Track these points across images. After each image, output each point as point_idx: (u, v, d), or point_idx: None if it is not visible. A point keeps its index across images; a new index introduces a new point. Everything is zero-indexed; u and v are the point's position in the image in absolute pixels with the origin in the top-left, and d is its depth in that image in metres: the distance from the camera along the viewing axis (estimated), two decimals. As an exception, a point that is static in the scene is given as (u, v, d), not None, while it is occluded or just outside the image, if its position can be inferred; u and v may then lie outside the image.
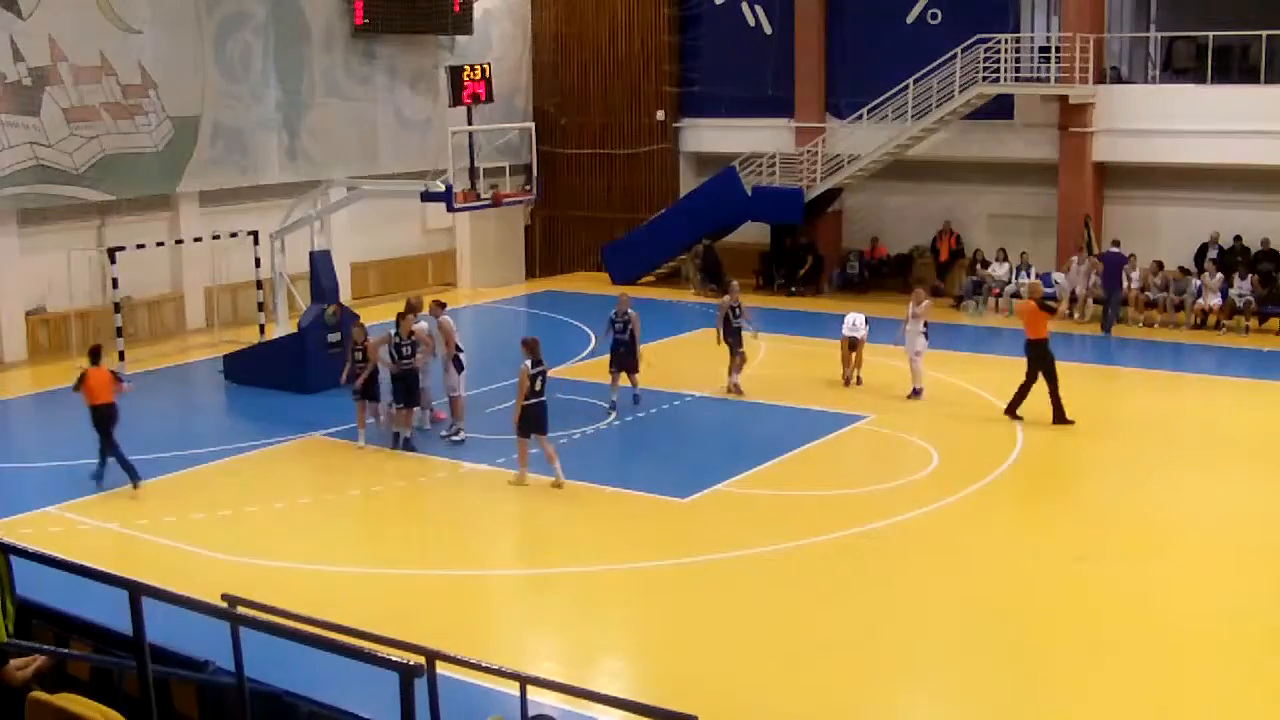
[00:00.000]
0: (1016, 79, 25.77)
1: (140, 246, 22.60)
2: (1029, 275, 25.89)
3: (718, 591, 12.41)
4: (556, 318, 26.27)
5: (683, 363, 20.80)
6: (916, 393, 19.11)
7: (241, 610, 5.98)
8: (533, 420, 15.31)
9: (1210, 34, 25.09)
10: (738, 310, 19.36)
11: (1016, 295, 25.99)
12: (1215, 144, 24.35)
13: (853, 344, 19.96)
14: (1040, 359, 17.76)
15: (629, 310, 18.72)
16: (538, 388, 15.29)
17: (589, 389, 19.61)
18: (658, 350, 19.83)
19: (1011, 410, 17.93)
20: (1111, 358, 21.38)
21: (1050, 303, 19.23)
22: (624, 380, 18.69)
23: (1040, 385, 17.73)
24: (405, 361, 16.75)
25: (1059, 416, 17.69)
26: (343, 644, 4.74)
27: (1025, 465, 16.29)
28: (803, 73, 29.01)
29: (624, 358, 18.66)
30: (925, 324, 19.11)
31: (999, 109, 26.48)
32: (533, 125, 26.55)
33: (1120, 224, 26.40)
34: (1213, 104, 24.67)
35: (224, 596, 7.07)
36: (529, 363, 15.26)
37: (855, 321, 19.96)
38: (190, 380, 22.10)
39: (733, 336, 19.37)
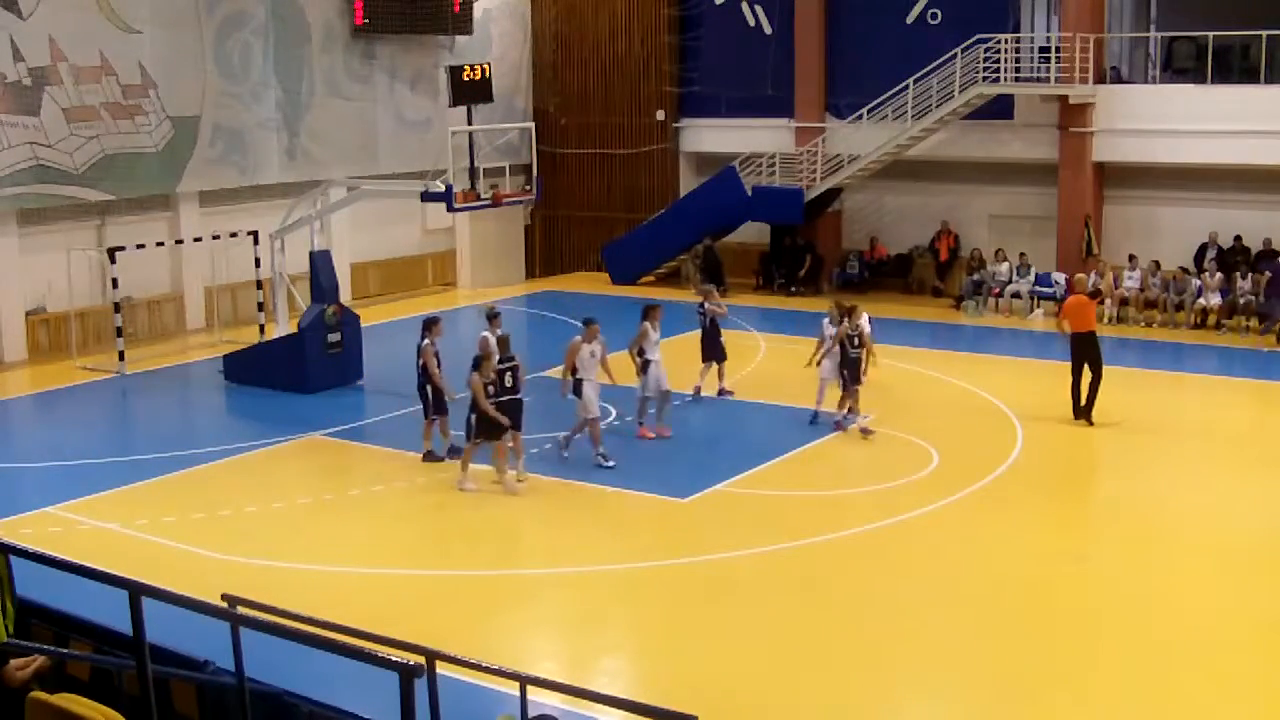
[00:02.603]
0: (1016, 79, 25.76)
1: (140, 246, 22.59)
2: (1029, 275, 25.96)
3: (718, 591, 12.41)
4: (557, 318, 26.23)
5: (682, 363, 20.75)
6: (816, 416, 17.83)
7: (241, 610, 5.99)
8: (498, 420, 15.42)
9: (1210, 34, 25.08)
10: (857, 339, 17.44)
11: (1017, 295, 26.05)
12: (1215, 144, 24.33)
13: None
14: (1089, 351, 17.68)
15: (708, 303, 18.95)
16: (508, 384, 15.30)
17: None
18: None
19: (1085, 413, 17.71)
20: (1111, 358, 21.30)
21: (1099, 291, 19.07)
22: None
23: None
24: None
25: (1084, 412, 17.63)
26: (343, 644, 4.73)
27: (1025, 465, 16.28)
28: (803, 73, 29.00)
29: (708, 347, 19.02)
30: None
31: (999, 109, 26.46)
32: (533, 125, 26.55)
33: (1120, 224, 26.41)
34: (1213, 104, 24.66)
35: (224, 596, 7.07)
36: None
37: (855, 321, 19.89)
38: (190, 380, 22.10)
39: (850, 368, 17.37)
